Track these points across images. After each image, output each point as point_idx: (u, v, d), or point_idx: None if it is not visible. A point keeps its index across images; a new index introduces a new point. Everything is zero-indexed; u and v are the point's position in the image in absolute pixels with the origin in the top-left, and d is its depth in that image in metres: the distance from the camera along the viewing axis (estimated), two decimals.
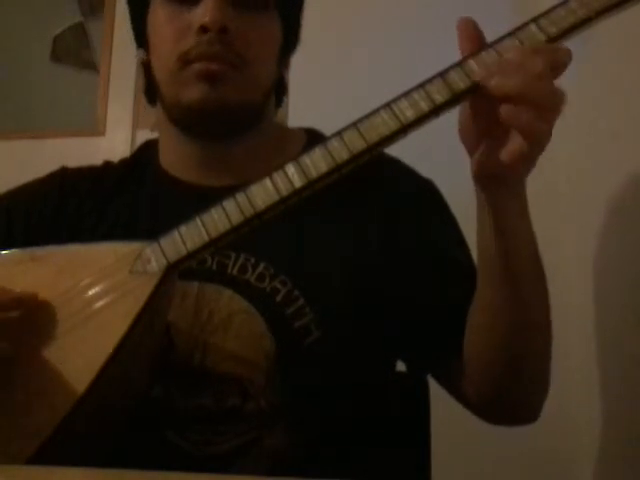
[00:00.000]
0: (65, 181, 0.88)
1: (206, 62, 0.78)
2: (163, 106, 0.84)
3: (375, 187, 0.84)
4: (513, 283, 0.67)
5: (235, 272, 0.78)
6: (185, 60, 0.78)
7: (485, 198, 0.64)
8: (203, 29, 0.77)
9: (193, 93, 0.78)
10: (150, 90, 0.88)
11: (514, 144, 0.57)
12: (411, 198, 0.85)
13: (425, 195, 0.87)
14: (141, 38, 0.87)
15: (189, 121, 0.82)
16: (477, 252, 0.70)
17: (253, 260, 0.78)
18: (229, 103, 0.79)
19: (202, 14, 0.77)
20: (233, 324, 0.75)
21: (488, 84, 0.58)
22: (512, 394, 0.74)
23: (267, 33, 0.83)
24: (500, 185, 0.62)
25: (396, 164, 0.89)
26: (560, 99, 0.57)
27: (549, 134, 0.57)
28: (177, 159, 0.87)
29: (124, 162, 0.93)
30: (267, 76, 0.84)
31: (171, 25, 0.80)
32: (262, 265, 0.78)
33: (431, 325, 0.79)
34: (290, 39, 0.88)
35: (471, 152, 0.63)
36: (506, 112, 0.56)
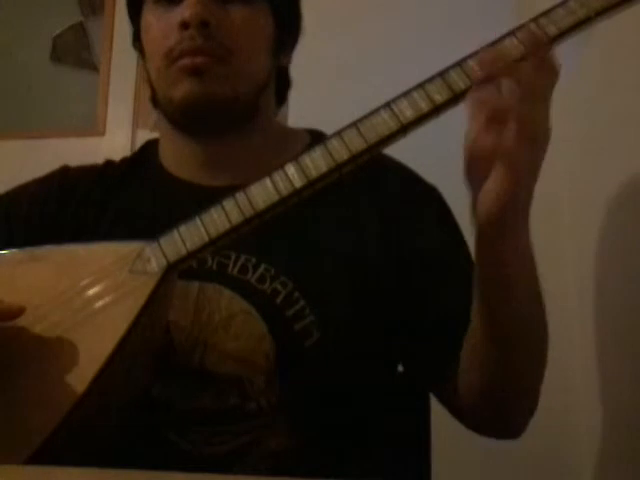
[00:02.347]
0: (65, 180, 0.88)
1: (190, 57, 0.78)
2: (158, 106, 0.85)
3: (376, 189, 0.84)
4: (510, 328, 0.66)
5: (235, 273, 0.78)
6: (170, 58, 0.79)
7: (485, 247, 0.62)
8: (184, 25, 0.77)
9: (180, 89, 0.79)
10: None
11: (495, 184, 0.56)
12: (413, 200, 0.85)
13: (427, 199, 0.87)
14: (137, 42, 0.88)
15: (181, 118, 0.82)
16: (474, 297, 0.68)
17: (254, 261, 0.78)
18: (217, 96, 0.79)
19: (182, 10, 0.78)
20: (233, 324, 0.75)
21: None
22: (501, 414, 0.75)
23: (253, 24, 0.82)
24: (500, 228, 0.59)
25: (399, 167, 0.89)
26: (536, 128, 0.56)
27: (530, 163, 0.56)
28: (177, 158, 0.87)
29: (125, 161, 0.93)
30: (258, 68, 0.83)
31: (158, 25, 0.81)
32: (263, 266, 0.78)
33: (431, 330, 0.79)
34: (285, 30, 0.87)
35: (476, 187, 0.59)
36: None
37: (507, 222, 0.58)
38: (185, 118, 0.82)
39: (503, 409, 0.75)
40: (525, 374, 0.72)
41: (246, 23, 0.81)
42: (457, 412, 0.81)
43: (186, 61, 0.78)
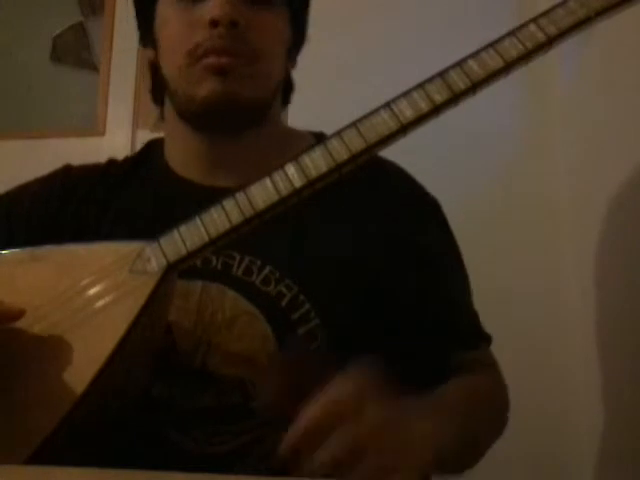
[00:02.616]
0: (68, 179, 0.88)
1: (216, 56, 0.77)
2: (173, 103, 0.84)
3: (378, 191, 0.84)
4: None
5: (240, 274, 0.78)
6: (195, 55, 0.78)
7: None
8: (213, 23, 0.76)
9: (204, 88, 0.78)
10: (156, 89, 0.88)
11: None
12: (414, 203, 0.85)
13: (427, 202, 0.88)
14: (149, 37, 0.86)
15: (200, 116, 0.81)
16: None
17: (259, 263, 0.78)
18: (240, 98, 0.79)
19: (211, 8, 0.77)
20: (237, 325, 0.75)
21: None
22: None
23: (277, 29, 0.83)
24: None
25: (399, 171, 0.89)
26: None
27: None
28: (183, 157, 0.87)
29: (128, 160, 0.92)
30: (277, 71, 0.84)
31: (180, 21, 0.80)
32: (268, 268, 0.78)
33: (430, 330, 0.79)
34: (298, 36, 0.88)
35: None
36: None
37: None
38: (206, 116, 0.81)
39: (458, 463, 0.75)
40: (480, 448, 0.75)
41: (270, 26, 0.81)
42: None
43: (211, 60, 0.77)
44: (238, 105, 0.79)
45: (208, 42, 0.77)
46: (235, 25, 0.77)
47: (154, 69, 0.86)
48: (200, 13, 0.78)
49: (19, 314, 0.63)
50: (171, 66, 0.81)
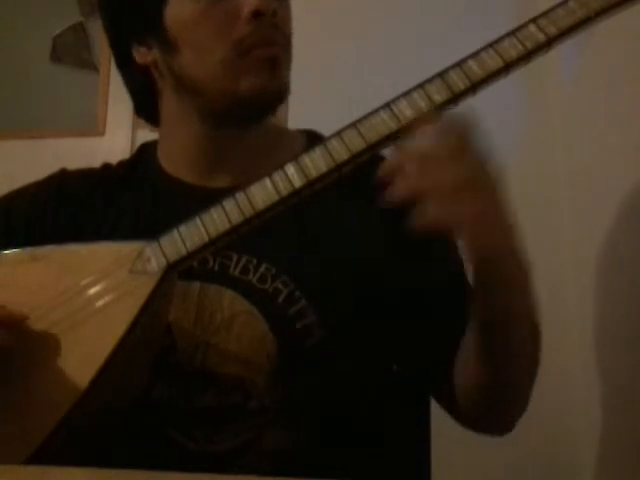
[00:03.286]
0: (63, 184, 0.88)
1: (266, 47, 0.77)
2: (193, 101, 0.81)
3: (376, 188, 0.84)
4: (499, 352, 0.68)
5: (237, 273, 0.78)
6: (241, 49, 0.77)
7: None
8: (257, 14, 0.76)
9: (255, 81, 0.77)
10: (146, 93, 0.87)
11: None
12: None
13: None
14: (152, 37, 0.82)
15: (242, 110, 0.80)
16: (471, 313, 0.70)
17: (255, 261, 0.78)
18: (285, 87, 0.80)
19: (251, 0, 0.76)
20: (235, 325, 0.75)
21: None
22: (494, 411, 0.76)
23: (291, 15, 0.83)
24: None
25: None
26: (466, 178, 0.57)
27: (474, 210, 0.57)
28: (180, 157, 0.86)
29: (123, 164, 0.92)
30: None
31: (212, 16, 0.78)
32: (264, 266, 0.78)
33: (432, 329, 0.79)
34: None
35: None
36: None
37: (494, 261, 0.61)
38: (248, 110, 0.80)
39: (496, 414, 0.77)
40: (518, 385, 0.73)
41: (290, 13, 0.82)
42: (453, 412, 0.81)
43: (262, 52, 0.77)
44: (281, 95, 0.80)
45: (256, 34, 0.76)
46: (275, 15, 0.77)
47: (144, 71, 0.84)
48: (233, 5, 0.77)
49: (21, 319, 0.63)
50: (207, 63, 0.78)
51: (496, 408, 0.76)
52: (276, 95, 0.80)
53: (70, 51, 2.05)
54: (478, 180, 0.58)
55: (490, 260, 0.61)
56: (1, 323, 0.63)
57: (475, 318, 0.68)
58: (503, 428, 0.80)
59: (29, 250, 0.71)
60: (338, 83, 1.57)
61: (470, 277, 0.67)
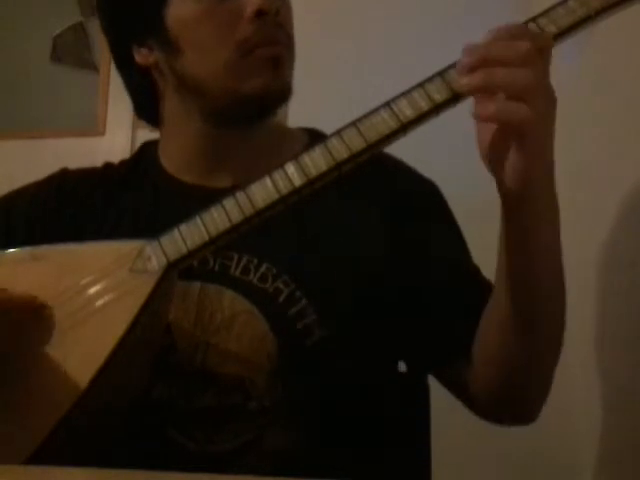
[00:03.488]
0: (64, 184, 0.88)
1: (270, 47, 0.77)
2: (196, 102, 0.81)
3: (376, 186, 0.84)
4: (533, 299, 0.66)
5: (238, 273, 0.78)
6: (245, 48, 0.77)
7: (511, 220, 0.62)
8: (260, 13, 0.76)
9: (258, 81, 0.77)
10: (146, 94, 0.87)
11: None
12: (412, 196, 0.85)
13: (427, 194, 0.87)
14: (152, 38, 0.82)
15: (244, 110, 0.80)
16: (497, 268, 0.68)
17: (256, 261, 0.78)
18: (288, 86, 0.80)
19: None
20: (235, 325, 0.75)
21: (459, 88, 0.58)
22: (521, 392, 0.74)
23: (292, 13, 0.83)
24: (525, 203, 0.60)
25: (397, 164, 0.89)
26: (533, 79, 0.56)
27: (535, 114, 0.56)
28: (182, 157, 0.86)
29: (124, 163, 0.92)
30: None
31: (215, 16, 0.77)
32: (264, 266, 0.78)
33: (436, 325, 0.79)
34: None
35: (495, 170, 0.61)
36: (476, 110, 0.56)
37: (536, 191, 0.59)
38: (251, 109, 0.80)
39: (523, 390, 0.74)
40: (546, 354, 0.72)
41: (290, 11, 0.82)
42: (467, 398, 0.80)
43: (265, 51, 0.77)
44: (285, 95, 0.80)
45: (259, 33, 0.76)
46: (278, 13, 0.77)
47: (144, 72, 0.84)
48: (236, 5, 0.77)
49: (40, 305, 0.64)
50: (210, 63, 0.78)
51: (524, 385, 0.73)
52: (279, 94, 0.80)
53: (70, 51, 2.05)
54: (547, 89, 0.58)
55: (537, 178, 0.59)
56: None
57: (504, 276, 0.66)
58: (526, 413, 0.77)
59: (29, 250, 0.71)
60: (338, 83, 1.57)
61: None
